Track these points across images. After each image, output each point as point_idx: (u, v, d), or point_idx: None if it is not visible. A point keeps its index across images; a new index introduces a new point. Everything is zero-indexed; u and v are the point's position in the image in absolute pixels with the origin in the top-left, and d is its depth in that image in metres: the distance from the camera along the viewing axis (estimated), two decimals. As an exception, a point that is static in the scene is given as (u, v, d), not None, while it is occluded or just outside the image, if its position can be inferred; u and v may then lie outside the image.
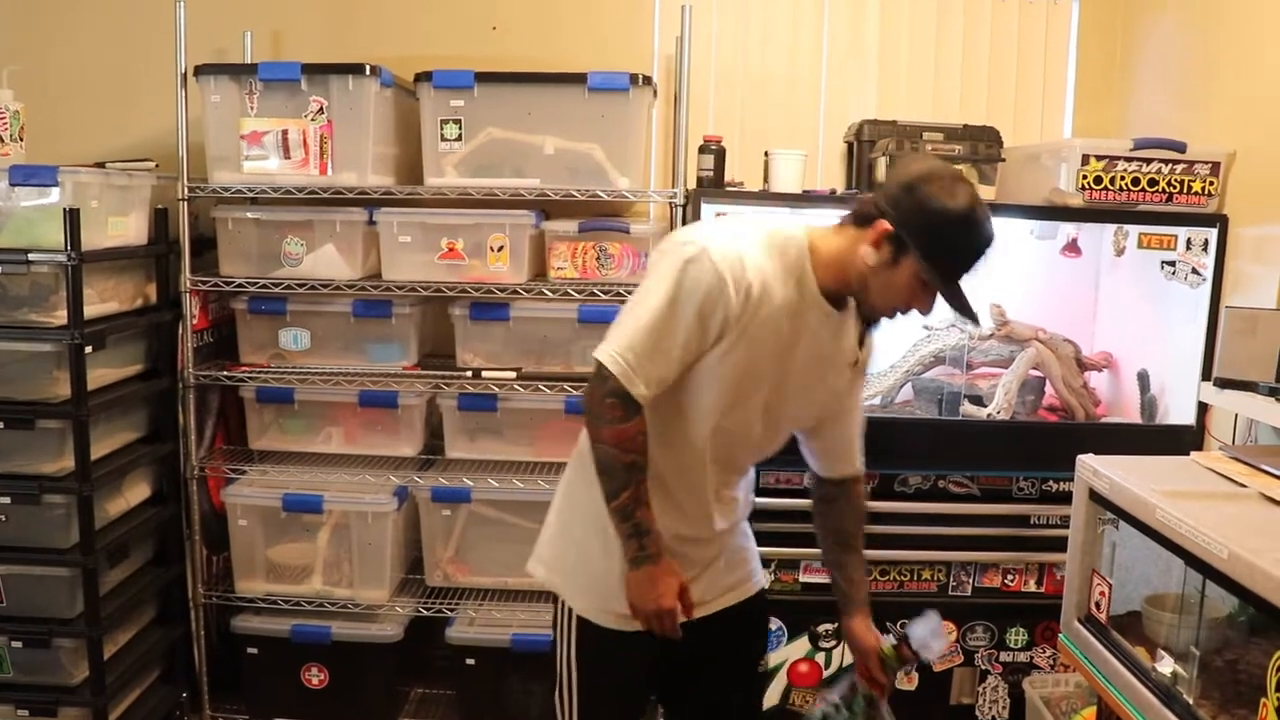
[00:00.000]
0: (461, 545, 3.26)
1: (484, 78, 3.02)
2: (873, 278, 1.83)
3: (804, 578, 3.00)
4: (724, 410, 1.91)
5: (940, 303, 1.89)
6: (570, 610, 2.06)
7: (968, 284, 1.84)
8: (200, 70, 3.04)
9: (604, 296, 3.08)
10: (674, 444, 1.96)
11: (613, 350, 1.81)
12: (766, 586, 2.28)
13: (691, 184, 3.12)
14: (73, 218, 2.71)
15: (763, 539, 2.91)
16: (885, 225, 1.78)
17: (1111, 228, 3.18)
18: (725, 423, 1.93)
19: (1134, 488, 2.07)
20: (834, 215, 2.97)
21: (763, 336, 1.85)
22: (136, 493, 3.20)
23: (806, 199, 3.04)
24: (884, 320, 1.94)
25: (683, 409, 1.92)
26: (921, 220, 1.76)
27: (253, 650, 3.23)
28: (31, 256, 2.73)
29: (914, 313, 1.90)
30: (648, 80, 3.06)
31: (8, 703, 2.91)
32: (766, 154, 3.14)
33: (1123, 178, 2.90)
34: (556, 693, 2.14)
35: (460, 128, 3.04)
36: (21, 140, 2.91)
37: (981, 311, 3.15)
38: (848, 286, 1.87)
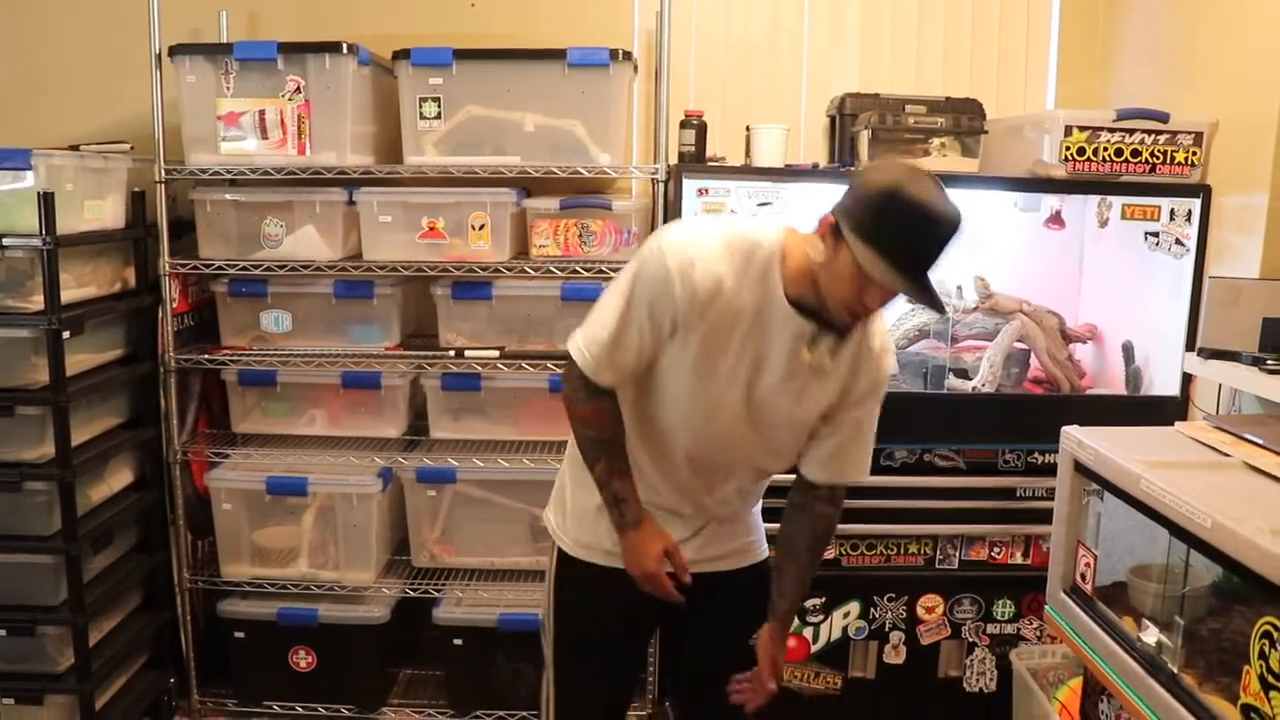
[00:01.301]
0: (447, 526, 3.25)
1: (463, 55, 2.99)
2: (821, 273, 1.80)
3: (791, 553, 2.99)
4: (691, 402, 1.93)
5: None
6: (554, 545, 2.19)
7: (918, 269, 1.74)
8: (175, 50, 3.00)
9: (586, 274, 3.06)
10: (650, 432, 2.01)
11: (579, 343, 1.94)
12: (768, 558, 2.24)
13: (673, 159, 3.10)
14: (47, 201, 2.68)
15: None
16: (828, 218, 1.78)
17: (1095, 199, 3.17)
18: (696, 418, 1.94)
19: (1118, 458, 2.07)
20: (816, 188, 3.04)
21: (719, 335, 1.86)
22: (119, 478, 3.18)
23: (788, 173, 3.03)
24: (847, 324, 1.85)
25: (654, 394, 1.97)
26: (851, 200, 1.75)
27: (240, 634, 3.22)
28: (5, 241, 2.69)
29: (869, 311, 1.82)
30: (628, 55, 3.03)
31: (-8, 691, 2.90)
32: (748, 128, 3.12)
33: (1106, 149, 2.89)
34: (543, 622, 2.26)
35: (439, 106, 3.01)
36: (-7, 124, 2.88)
37: (965, 284, 3.21)
38: (810, 289, 1.83)
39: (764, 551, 2.24)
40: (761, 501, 2.23)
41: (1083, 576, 2.26)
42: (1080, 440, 2.24)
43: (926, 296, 1.75)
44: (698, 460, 2.01)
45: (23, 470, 2.79)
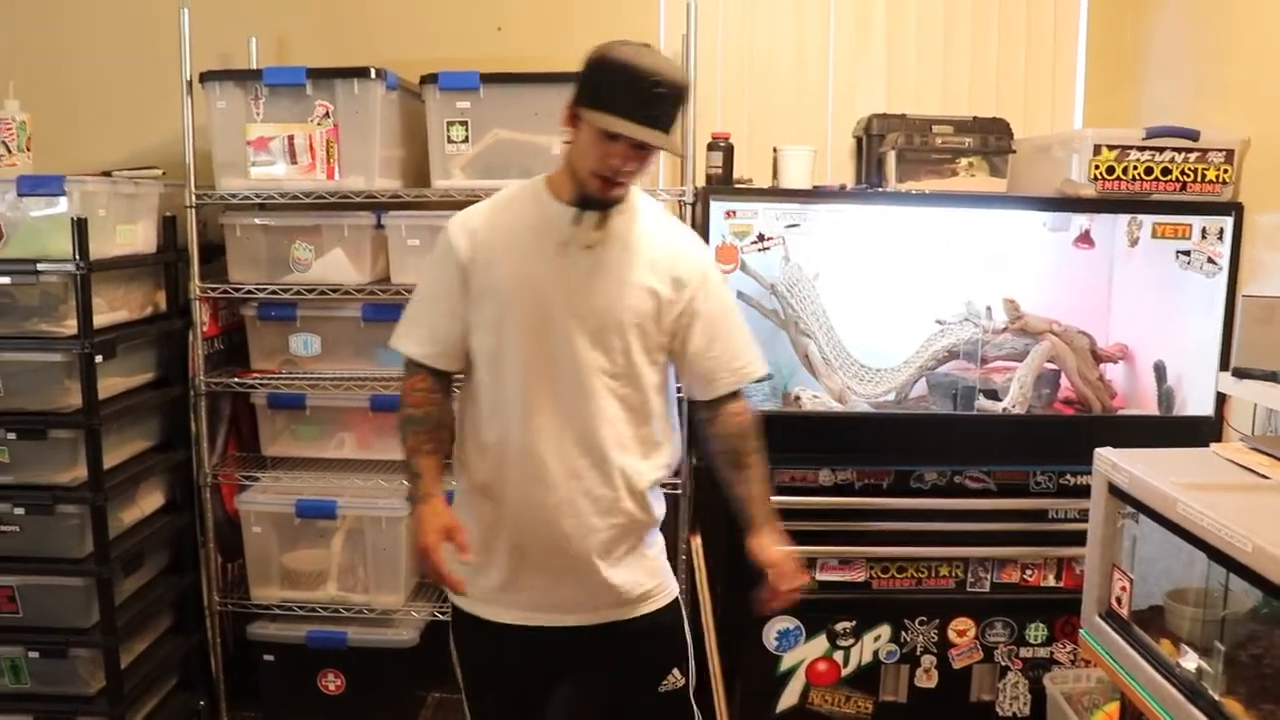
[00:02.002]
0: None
1: (490, 79, 3.01)
2: (572, 152, 1.96)
3: (820, 576, 2.98)
4: (509, 337, 2.00)
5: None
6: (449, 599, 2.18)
7: (640, 113, 1.85)
8: (205, 77, 3.04)
9: (614, 296, 3.06)
10: (497, 410, 2.04)
11: (395, 329, 2.12)
12: (667, 604, 2.19)
13: (700, 181, 3.10)
14: (81, 227, 2.71)
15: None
16: (569, 103, 1.94)
17: (1125, 218, 3.15)
18: (519, 351, 2.00)
19: (1154, 481, 2.05)
20: (844, 209, 3.04)
21: (504, 261, 2.01)
22: (150, 501, 3.20)
23: (816, 194, 3.03)
24: (600, 192, 1.95)
25: (485, 358, 2.04)
26: (581, 79, 1.92)
27: (269, 657, 3.23)
28: (40, 267, 2.72)
29: (614, 169, 1.91)
30: (655, 78, 3.03)
31: (26, 713, 2.91)
32: (775, 150, 3.13)
33: (1135, 167, 2.88)
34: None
35: (467, 129, 3.03)
36: (28, 151, 2.91)
37: (995, 305, 3.19)
38: (573, 181, 1.98)
39: (670, 596, 2.20)
40: (662, 547, 2.23)
41: (1118, 600, 2.23)
42: (1115, 462, 2.21)
43: (659, 138, 1.88)
44: (541, 396, 2.00)
45: (55, 493, 2.81)
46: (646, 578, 2.15)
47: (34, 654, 2.88)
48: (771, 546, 2.13)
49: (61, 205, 2.75)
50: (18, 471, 2.83)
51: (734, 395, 2.14)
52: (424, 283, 2.13)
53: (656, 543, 2.22)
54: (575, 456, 2.03)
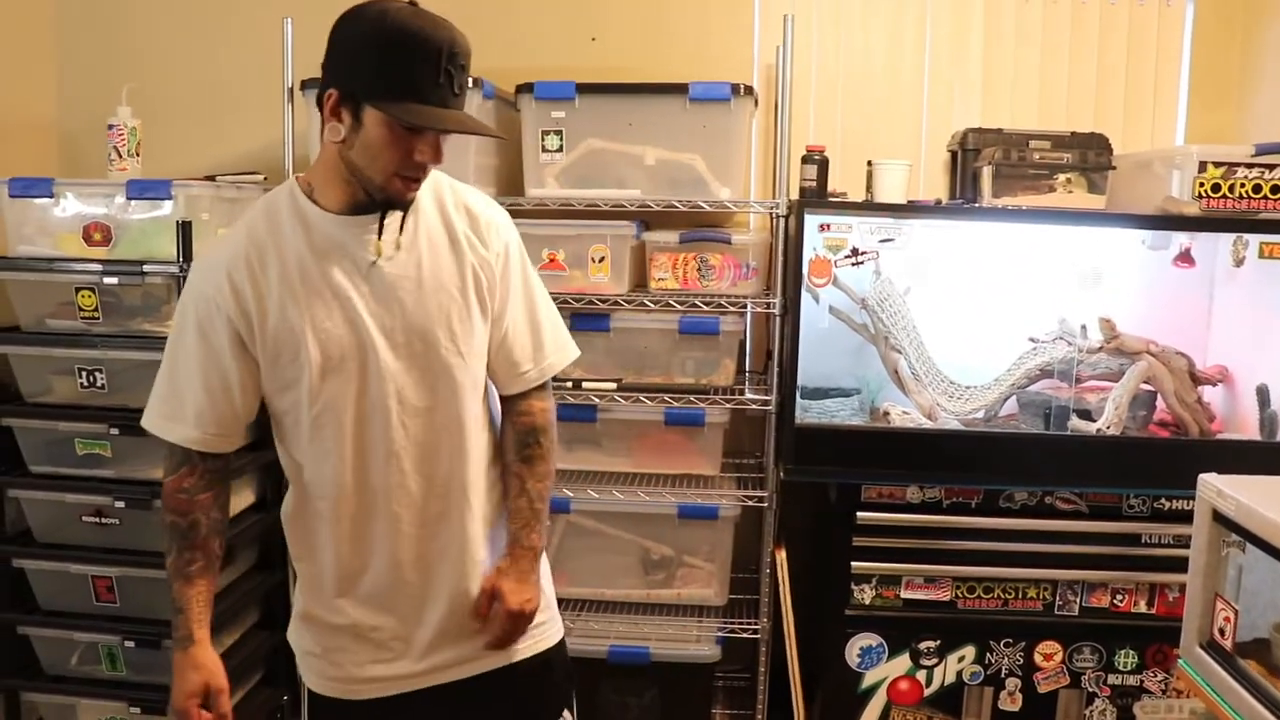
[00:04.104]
0: (559, 555, 3.26)
1: (585, 89, 3.03)
2: (352, 153, 1.62)
3: (905, 594, 2.94)
4: (325, 392, 1.70)
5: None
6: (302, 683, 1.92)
7: (443, 94, 1.59)
8: (307, 85, 3.09)
9: (705, 307, 3.07)
10: (320, 478, 1.76)
11: (148, 411, 1.77)
12: (556, 643, 1.98)
13: (794, 194, 3.09)
14: (185, 230, 2.78)
15: (862, 554, 2.92)
16: (331, 93, 1.61)
17: (1230, 237, 3.06)
18: (341, 407, 1.70)
19: (1264, 510, 1.99)
20: (939, 225, 3.00)
21: (294, 301, 1.67)
22: (241, 499, 3.26)
23: (912, 209, 3.00)
24: (403, 194, 1.66)
25: (296, 424, 1.75)
26: (347, 60, 1.59)
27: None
28: (146, 268, 2.80)
29: (423, 167, 1.64)
30: (749, 90, 3.04)
31: (121, 700, 3.00)
32: (869, 164, 3.10)
33: (1243, 185, 2.81)
34: None
35: (561, 139, 3.05)
36: (138, 155, 2.99)
37: (1090, 324, 3.12)
38: (350, 184, 1.66)
39: (553, 636, 1.96)
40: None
41: (1221, 631, 2.17)
42: (1220, 489, 2.15)
43: (477, 124, 1.67)
44: (380, 452, 1.73)
45: (154, 489, 2.87)
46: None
47: (130, 644, 2.95)
48: (502, 574, 1.84)
49: (167, 208, 2.83)
50: (119, 466, 2.91)
51: (537, 389, 1.89)
52: (183, 350, 1.71)
53: (542, 570, 1.94)
54: (431, 499, 1.78)
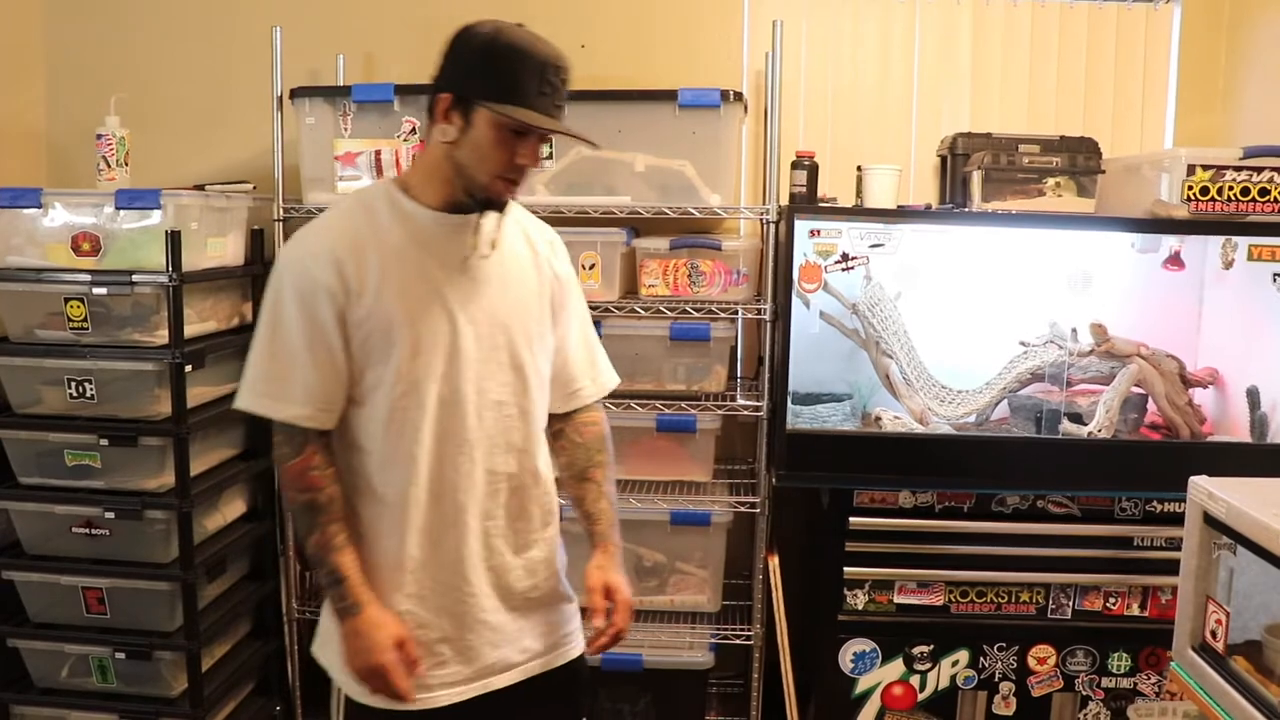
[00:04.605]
0: (551, 563, 3.25)
1: (574, 96, 2.97)
2: (459, 153, 1.73)
3: (898, 599, 2.95)
4: (410, 377, 1.76)
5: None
6: (337, 691, 1.90)
7: (552, 105, 1.75)
8: (295, 93, 3.10)
9: (696, 314, 3.07)
10: (392, 462, 1.80)
11: (246, 392, 1.78)
12: (583, 651, 2.02)
13: (784, 200, 3.09)
14: (174, 240, 2.78)
15: (855, 560, 2.92)
16: (444, 96, 1.73)
17: (1219, 240, 3.07)
18: (424, 392, 1.76)
19: (1254, 512, 1.99)
20: (929, 229, 3.01)
21: (390, 287, 1.75)
22: (233, 509, 3.26)
23: (902, 214, 3.00)
24: (504, 194, 1.78)
25: (374, 407, 1.78)
26: (462, 67, 1.72)
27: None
28: (135, 278, 2.79)
29: (523, 169, 1.76)
30: (738, 96, 3.04)
31: (112, 712, 2.99)
32: (859, 169, 3.11)
33: (1231, 188, 2.81)
34: None
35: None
36: (126, 165, 2.99)
37: (1081, 327, 3.13)
38: (452, 184, 1.77)
39: (579, 647, 2.02)
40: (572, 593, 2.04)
41: (1213, 634, 2.17)
42: (1210, 491, 2.15)
43: (576, 131, 1.80)
44: (456, 440, 1.80)
45: (144, 499, 2.87)
46: (562, 622, 1.99)
47: (120, 655, 2.94)
48: (606, 570, 1.93)
49: (156, 218, 2.82)
50: (109, 477, 2.90)
51: (594, 403, 2.03)
52: (283, 328, 1.74)
53: (567, 582, 2.03)
54: (488, 499, 1.84)
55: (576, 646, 2.02)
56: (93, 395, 2.87)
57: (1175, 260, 3.17)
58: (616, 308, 3.08)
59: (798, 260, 2.92)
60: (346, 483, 1.82)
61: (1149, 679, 2.99)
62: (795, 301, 2.95)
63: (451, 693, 1.86)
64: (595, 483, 2.01)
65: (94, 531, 2.91)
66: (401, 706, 1.79)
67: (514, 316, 1.85)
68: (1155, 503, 2.92)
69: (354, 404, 1.81)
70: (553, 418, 2.01)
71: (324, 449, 1.78)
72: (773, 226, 3.04)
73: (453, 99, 1.72)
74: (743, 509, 3.16)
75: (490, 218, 1.82)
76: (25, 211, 2.85)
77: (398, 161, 3.05)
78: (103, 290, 2.81)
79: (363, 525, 1.83)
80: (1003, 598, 2.97)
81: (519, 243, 1.90)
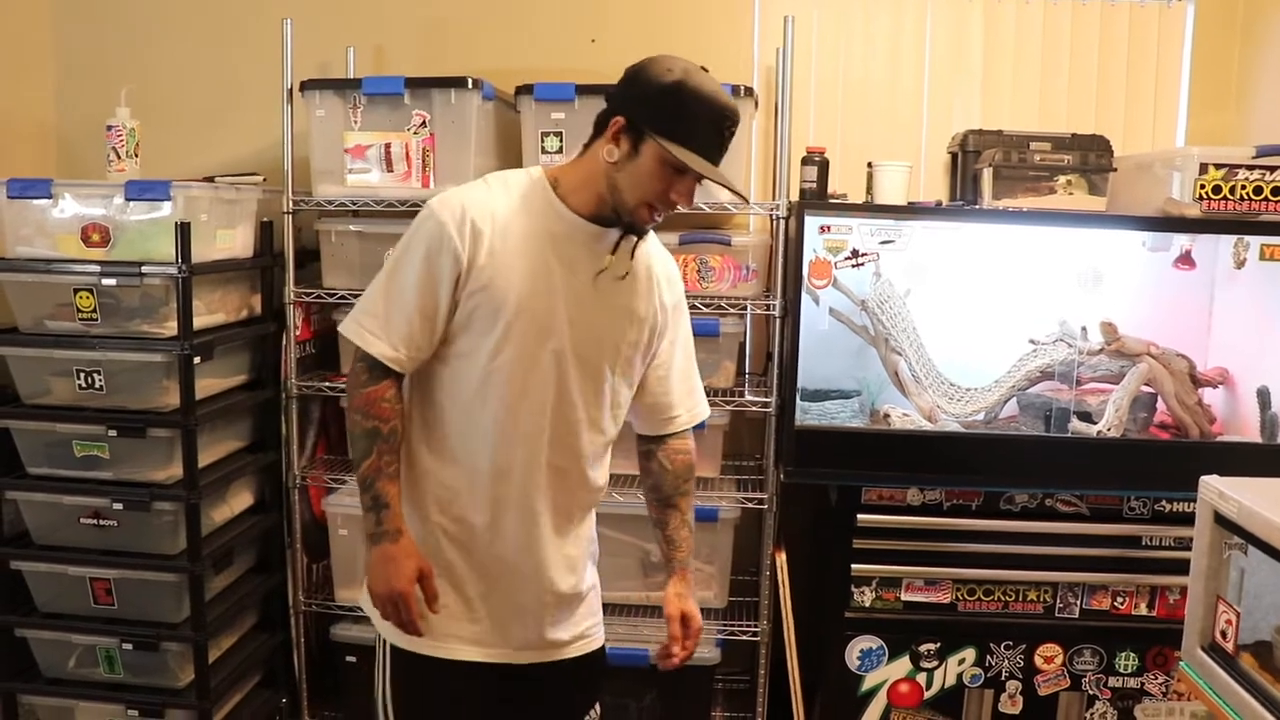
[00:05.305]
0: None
1: (585, 90, 3.02)
2: (619, 174, 1.80)
3: (905, 596, 2.94)
4: (503, 357, 1.84)
5: (716, 191, 1.85)
6: (382, 639, 1.98)
7: (718, 153, 1.79)
8: (306, 86, 3.09)
9: (705, 309, 3.06)
10: (472, 428, 1.89)
11: (352, 318, 1.88)
12: (599, 646, 2.12)
13: (794, 196, 3.08)
14: (184, 231, 2.77)
15: (862, 557, 2.92)
16: (618, 119, 1.79)
17: (1231, 239, 3.06)
18: (511, 375, 1.85)
19: (1267, 512, 1.98)
20: (939, 226, 3.00)
21: (513, 270, 1.82)
22: (240, 501, 3.26)
23: (913, 211, 2.99)
24: (645, 221, 1.85)
25: (467, 370, 1.87)
26: (644, 99, 1.78)
27: (351, 659, 3.26)
28: (144, 269, 2.79)
29: (673, 205, 1.83)
30: (749, 91, 3.03)
31: (118, 702, 3.00)
32: (870, 165, 3.10)
33: (1244, 187, 2.80)
34: None
35: (561, 140, 3.04)
36: (136, 157, 2.98)
37: (1091, 326, 3.12)
38: (603, 199, 1.83)
39: (601, 639, 2.12)
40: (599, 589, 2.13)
41: (1223, 634, 2.17)
42: (1221, 491, 2.15)
43: (732, 182, 1.82)
44: (527, 430, 1.88)
45: (152, 490, 2.87)
46: (587, 615, 2.08)
47: (128, 646, 2.95)
48: (684, 599, 2.06)
49: (166, 210, 2.81)
50: (117, 468, 2.90)
51: (685, 431, 2.10)
52: (402, 272, 1.85)
53: (596, 580, 2.13)
54: (547, 488, 1.93)
55: (597, 639, 2.10)
56: (101, 386, 2.87)
57: (1186, 259, 3.16)
58: (625, 303, 3.07)
59: (807, 256, 2.91)
60: (418, 431, 1.94)
61: (1156, 679, 2.99)
62: (805, 298, 2.94)
63: (475, 650, 1.95)
64: (679, 510, 2.10)
65: (102, 522, 2.91)
66: (406, 639, 1.90)
67: (612, 336, 1.93)
68: (1164, 502, 2.91)
69: (440, 361, 1.90)
70: (645, 439, 2.11)
71: (398, 388, 1.89)
72: (783, 222, 3.03)
73: (626, 123, 1.78)
74: (750, 505, 3.15)
75: (629, 240, 1.89)
76: (35, 202, 2.85)
77: (407, 155, 3.04)
78: (112, 281, 2.81)
79: (439, 476, 1.93)
80: (1010, 596, 2.96)
81: (640, 268, 1.95)
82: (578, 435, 1.94)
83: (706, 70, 1.80)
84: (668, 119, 1.76)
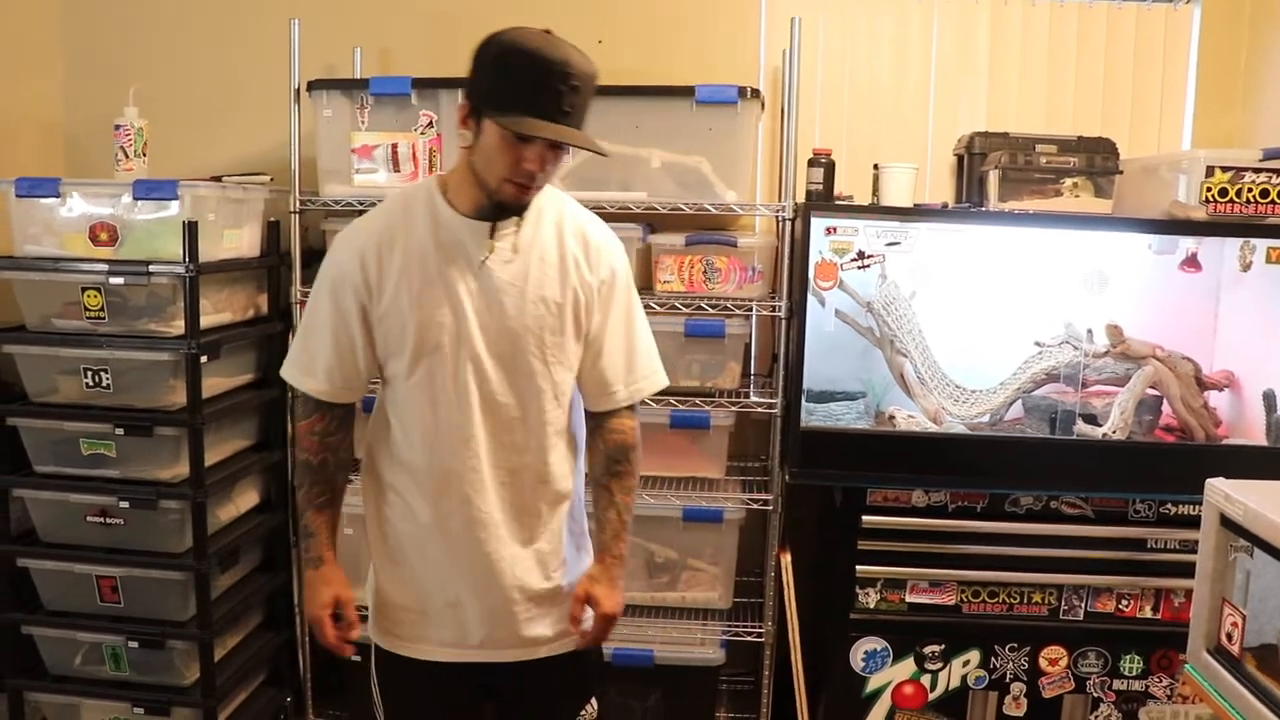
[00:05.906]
0: (562, 557, 3.25)
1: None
2: (475, 158, 1.81)
3: (910, 598, 2.94)
4: (418, 374, 1.88)
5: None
6: (371, 640, 2.08)
7: (552, 109, 1.74)
8: (313, 86, 3.10)
9: (711, 310, 3.06)
10: (408, 441, 1.93)
11: (287, 359, 2.00)
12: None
13: (800, 197, 3.09)
14: (191, 230, 2.78)
15: (867, 558, 2.92)
16: (463, 105, 1.81)
17: (1237, 242, 3.06)
18: (428, 390, 1.88)
19: (1273, 515, 1.98)
20: (945, 228, 3.00)
21: (407, 290, 1.86)
22: (246, 499, 3.27)
23: (919, 213, 2.99)
24: (515, 199, 1.82)
25: (401, 384, 1.92)
26: (475, 77, 1.78)
27: (356, 658, 3.24)
28: (152, 268, 2.80)
29: (530, 174, 1.78)
30: (755, 93, 3.04)
31: (124, 700, 3.01)
32: (876, 167, 3.10)
33: (1250, 190, 2.80)
34: None
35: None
36: (144, 156, 2.99)
37: (1096, 329, 3.12)
38: (476, 188, 1.83)
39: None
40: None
41: (1229, 636, 2.17)
42: (1227, 494, 2.15)
43: (578, 137, 1.78)
44: (442, 452, 1.90)
45: (159, 489, 2.88)
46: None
47: (134, 644, 2.96)
48: (595, 582, 2.00)
49: (173, 209, 2.82)
50: (124, 466, 2.91)
51: (627, 409, 2.04)
52: (314, 312, 1.93)
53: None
54: (496, 491, 1.93)
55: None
56: (109, 385, 2.88)
57: (1192, 262, 3.16)
58: (631, 303, 3.08)
59: (813, 258, 2.92)
60: (381, 447, 1.99)
61: (1161, 681, 2.98)
62: (810, 299, 2.94)
63: (449, 651, 2.00)
64: (608, 490, 2.04)
65: (108, 520, 2.92)
66: (387, 640, 2.03)
67: (526, 326, 1.90)
68: (1169, 505, 2.91)
69: (385, 383, 1.97)
70: (589, 415, 2.06)
71: (335, 419, 1.97)
72: (789, 224, 3.03)
73: (469, 107, 1.79)
74: (755, 506, 3.16)
75: (507, 222, 1.88)
76: (43, 201, 2.86)
77: (414, 155, 3.05)
78: (119, 280, 2.82)
79: (396, 487, 1.97)
80: (1015, 598, 2.96)
81: (550, 249, 1.92)
82: (519, 432, 1.94)
83: (549, 33, 1.76)
84: (493, 90, 1.74)
